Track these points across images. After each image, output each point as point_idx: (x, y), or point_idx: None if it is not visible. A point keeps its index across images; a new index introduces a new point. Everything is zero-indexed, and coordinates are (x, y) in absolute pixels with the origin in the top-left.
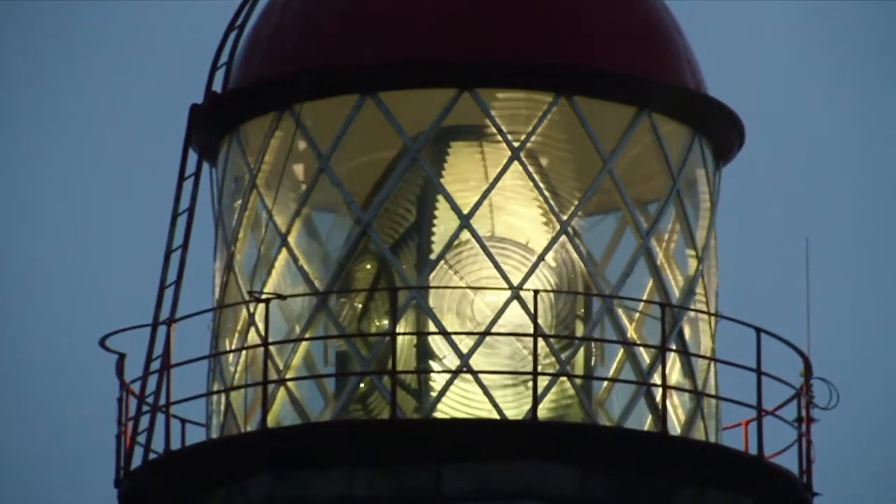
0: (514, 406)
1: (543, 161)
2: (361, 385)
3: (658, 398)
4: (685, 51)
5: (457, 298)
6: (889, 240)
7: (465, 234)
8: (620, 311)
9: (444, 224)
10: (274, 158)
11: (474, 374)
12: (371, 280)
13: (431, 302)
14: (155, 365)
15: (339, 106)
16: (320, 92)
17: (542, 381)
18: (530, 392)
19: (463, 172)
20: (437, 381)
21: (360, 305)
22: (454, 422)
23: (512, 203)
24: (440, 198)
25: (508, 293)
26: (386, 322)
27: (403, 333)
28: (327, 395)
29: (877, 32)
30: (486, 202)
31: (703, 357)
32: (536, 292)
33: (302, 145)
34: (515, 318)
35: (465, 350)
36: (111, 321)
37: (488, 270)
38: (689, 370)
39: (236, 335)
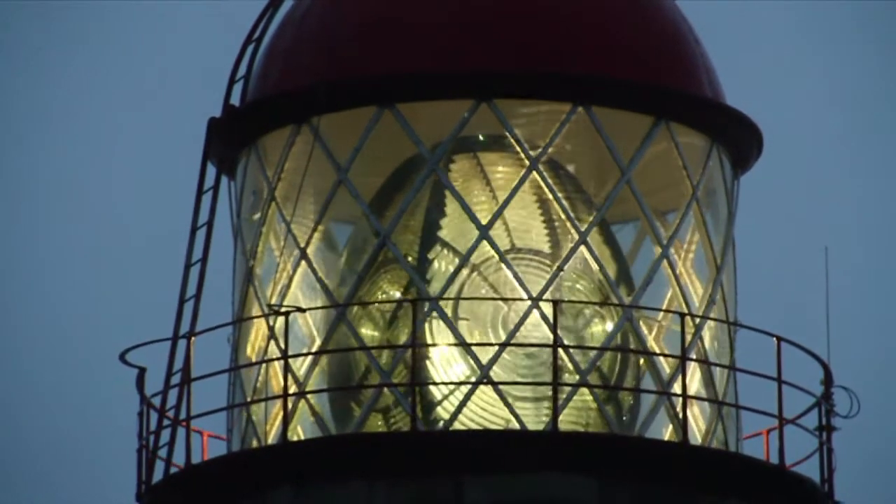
0: (534, 419)
1: (560, 171)
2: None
3: (678, 408)
4: (703, 59)
5: (490, 311)
6: None
7: (484, 245)
8: (640, 321)
9: (461, 235)
10: (292, 171)
11: (495, 384)
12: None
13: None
14: (175, 379)
15: (357, 118)
16: (338, 104)
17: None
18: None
19: (479, 183)
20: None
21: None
22: (474, 433)
23: (527, 214)
24: (457, 208)
25: (527, 303)
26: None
27: (424, 345)
28: (346, 407)
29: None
30: (501, 213)
31: (723, 366)
32: (556, 302)
33: (320, 157)
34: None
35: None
36: (131, 335)
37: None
38: (709, 379)
39: (256, 348)
